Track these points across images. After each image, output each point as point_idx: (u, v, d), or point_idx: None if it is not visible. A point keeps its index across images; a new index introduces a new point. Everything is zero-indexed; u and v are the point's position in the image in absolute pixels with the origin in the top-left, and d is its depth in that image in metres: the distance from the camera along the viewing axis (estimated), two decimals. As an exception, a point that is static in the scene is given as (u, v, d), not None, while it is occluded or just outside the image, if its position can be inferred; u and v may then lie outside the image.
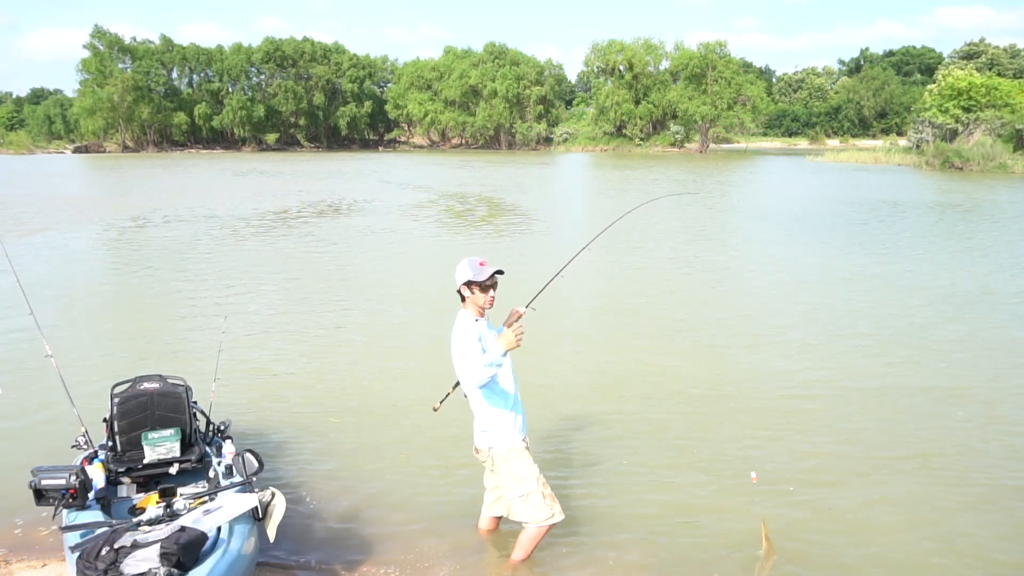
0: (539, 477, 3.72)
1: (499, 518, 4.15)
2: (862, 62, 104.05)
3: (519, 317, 3.78)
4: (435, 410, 4.12)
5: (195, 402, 4.23)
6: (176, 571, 2.85)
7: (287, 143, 75.77)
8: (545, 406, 6.00)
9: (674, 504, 4.61)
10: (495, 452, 3.71)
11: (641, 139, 69.49)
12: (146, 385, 3.94)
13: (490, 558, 4.06)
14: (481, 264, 3.61)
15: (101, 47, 66.99)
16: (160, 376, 4.03)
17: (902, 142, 56.38)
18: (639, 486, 4.82)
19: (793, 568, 3.95)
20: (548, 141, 72.46)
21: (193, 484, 3.88)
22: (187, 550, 2.93)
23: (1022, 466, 5.13)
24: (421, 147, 77.91)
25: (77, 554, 2.94)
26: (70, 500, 3.36)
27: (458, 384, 3.80)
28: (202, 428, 4.31)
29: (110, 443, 3.95)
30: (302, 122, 75.25)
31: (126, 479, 3.87)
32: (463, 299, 3.67)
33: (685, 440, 5.53)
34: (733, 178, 35.67)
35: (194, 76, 74.22)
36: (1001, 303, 9.89)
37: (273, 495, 3.44)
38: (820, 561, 4.03)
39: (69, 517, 3.37)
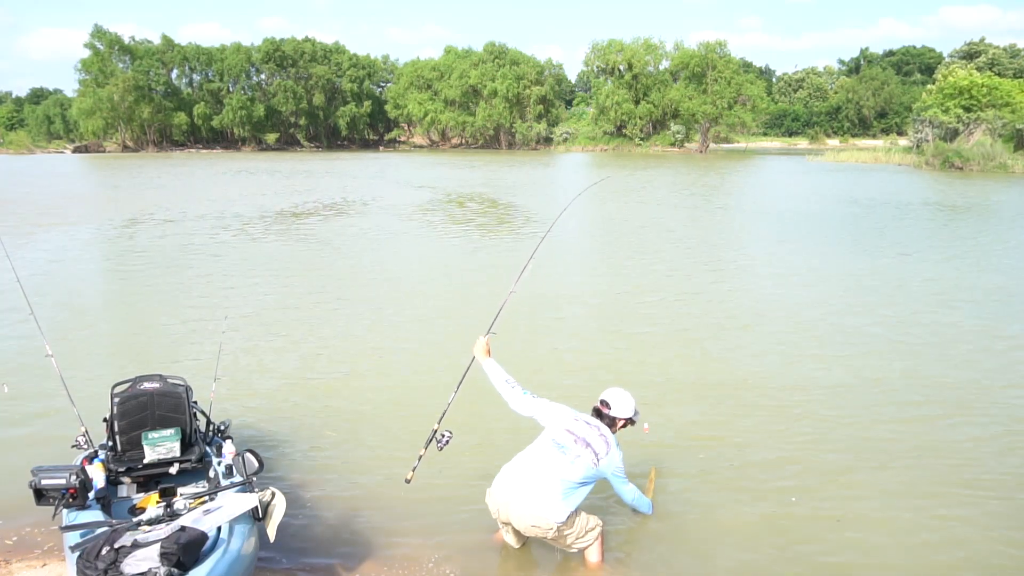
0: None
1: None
2: (862, 62, 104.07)
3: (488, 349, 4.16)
4: (407, 481, 4.02)
5: (195, 402, 4.23)
6: (176, 571, 2.84)
7: (287, 143, 75.75)
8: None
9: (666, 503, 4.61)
10: (562, 525, 3.69)
11: (641, 139, 69.47)
12: (146, 385, 3.94)
13: (491, 559, 4.06)
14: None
15: (101, 47, 66.95)
16: (160, 376, 4.02)
17: (902, 142, 56.38)
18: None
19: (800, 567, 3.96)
20: (548, 141, 72.43)
21: (193, 484, 3.88)
22: (187, 550, 2.93)
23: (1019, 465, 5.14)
24: (421, 147, 77.90)
25: (77, 554, 2.94)
26: (70, 500, 3.36)
27: (430, 444, 3.97)
28: (202, 428, 4.31)
29: (110, 443, 3.95)
30: (302, 122, 75.25)
31: (126, 479, 3.87)
32: (611, 423, 3.96)
33: (688, 442, 5.54)
34: (734, 179, 35.67)
35: (194, 76, 74.16)
36: (1003, 303, 9.90)
37: (273, 495, 3.44)
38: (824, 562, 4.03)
39: (69, 517, 3.37)
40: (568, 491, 3.70)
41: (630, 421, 4.05)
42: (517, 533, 3.95)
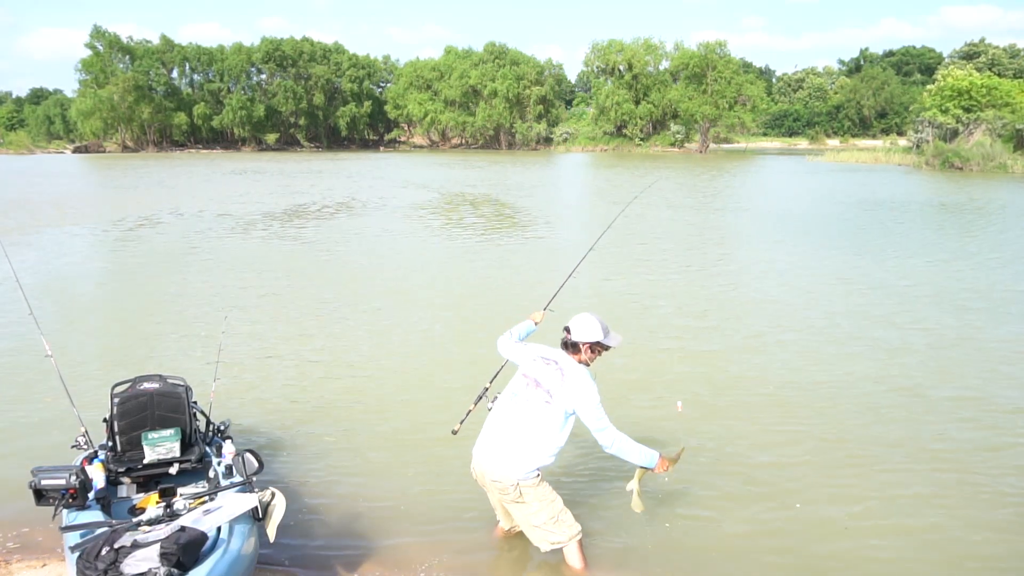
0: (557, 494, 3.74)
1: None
2: (862, 62, 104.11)
3: (540, 319, 4.39)
4: (454, 433, 4.19)
5: (195, 402, 4.23)
6: (176, 571, 2.84)
7: (287, 143, 75.80)
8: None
9: (672, 502, 4.61)
10: (525, 484, 3.56)
11: (641, 139, 69.53)
12: (146, 385, 3.94)
13: (490, 559, 4.06)
14: (613, 333, 3.74)
15: (101, 47, 66.97)
16: (160, 376, 4.03)
17: (902, 142, 56.42)
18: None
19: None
20: (548, 141, 72.48)
21: (193, 484, 3.88)
22: (187, 550, 2.92)
23: (1013, 468, 5.13)
24: (421, 147, 77.94)
25: (77, 554, 2.94)
26: (70, 500, 3.36)
27: (480, 401, 4.11)
28: (202, 428, 4.31)
29: (110, 443, 3.95)
30: (302, 122, 75.29)
31: (126, 479, 3.87)
32: (575, 350, 3.67)
33: (695, 445, 5.53)
34: (739, 180, 35.66)
35: (194, 76, 74.22)
36: (1002, 304, 9.89)
37: (273, 495, 3.44)
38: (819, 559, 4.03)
39: (69, 517, 3.36)
40: (524, 441, 3.53)
41: (600, 345, 3.67)
42: (506, 511, 3.92)
